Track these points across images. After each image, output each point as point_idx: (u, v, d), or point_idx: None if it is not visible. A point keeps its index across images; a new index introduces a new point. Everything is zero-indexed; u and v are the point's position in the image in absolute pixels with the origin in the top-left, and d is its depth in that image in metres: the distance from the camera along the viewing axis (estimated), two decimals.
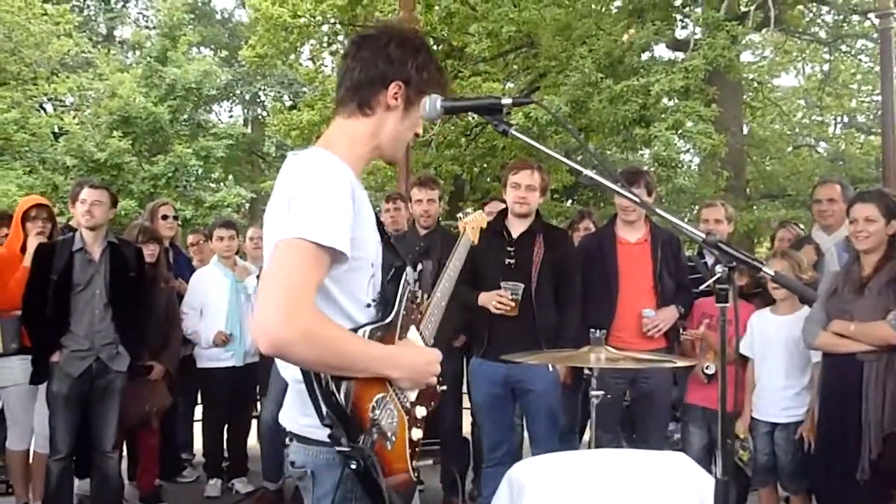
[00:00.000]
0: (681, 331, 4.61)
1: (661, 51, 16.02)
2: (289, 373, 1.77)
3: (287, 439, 1.85)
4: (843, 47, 17.04)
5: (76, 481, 4.58)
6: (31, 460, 4.67)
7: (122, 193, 16.10)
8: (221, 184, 19.63)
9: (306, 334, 1.55)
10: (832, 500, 3.85)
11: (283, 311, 1.55)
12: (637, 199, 1.98)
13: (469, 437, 5.29)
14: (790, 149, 19.12)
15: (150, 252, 4.85)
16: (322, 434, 1.68)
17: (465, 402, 5.13)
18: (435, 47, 15.20)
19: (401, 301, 1.85)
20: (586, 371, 3.34)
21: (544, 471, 2.14)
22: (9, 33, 16.65)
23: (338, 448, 1.65)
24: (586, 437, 5.11)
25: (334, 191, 1.67)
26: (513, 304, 3.97)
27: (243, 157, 22.74)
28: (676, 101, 12.80)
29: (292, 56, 17.28)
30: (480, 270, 4.18)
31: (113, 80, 17.51)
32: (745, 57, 16.22)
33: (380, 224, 1.93)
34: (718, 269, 1.71)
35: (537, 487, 2.02)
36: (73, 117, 17.50)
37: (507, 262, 4.12)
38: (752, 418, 4.10)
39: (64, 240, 4.37)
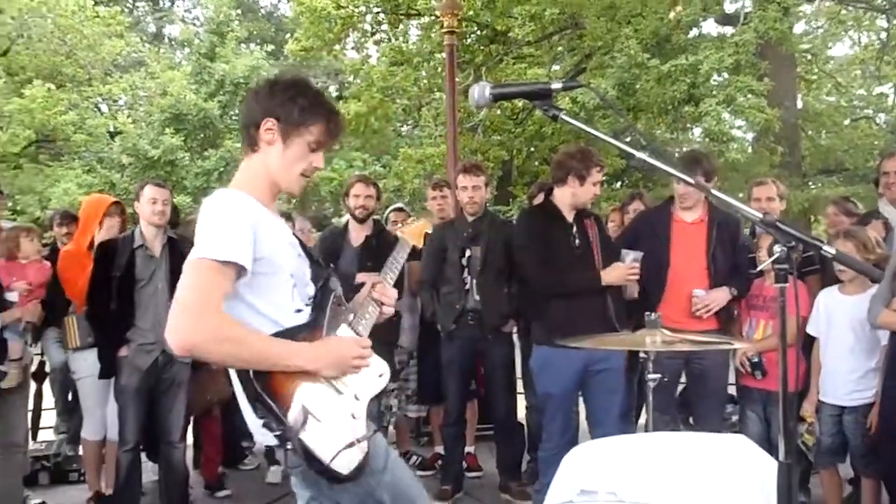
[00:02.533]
0: (734, 313, 4.54)
1: (710, 27, 15.70)
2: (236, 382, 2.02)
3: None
4: None
5: (144, 470, 4.73)
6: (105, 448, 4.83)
7: (177, 189, 16.49)
8: None
9: (214, 335, 1.83)
10: None
11: (191, 316, 1.84)
12: (690, 180, 1.96)
13: (524, 422, 5.30)
14: (847, 122, 18.56)
15: None
16: None
17: (519, 387, 5.14)
18: (478, 32, 15.14)
19: (324, 305, 2.10)
20: (642, 354, 3.32)
21: (604, 455, 2.14)
22: (63, 36, 17.11)
23: (273, 433, 1.88)
24: (641, 420, 5.09)
25: (231, 216, 1.94)
26: (632, 264, 4.01)
27: None
28: (727, 77, 12.53)
29: (337, 47, 17.38)
30: (553, 255, 4.13)
31: (164, 78, 17.91)
32: (798, 28, 15.77)
33: (303, 244, 2.20)
34: (777, 248, 1.68)
35: (598, 471, 2.03)
36: (127, 116, 17.93)
37: (575, 245, 4.07)
38: (818, 400, 4.02)
39: (124, 237, 4.47)
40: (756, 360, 4.12)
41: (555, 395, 4.13)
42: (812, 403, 4.02)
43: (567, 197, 4.10)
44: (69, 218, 5.61)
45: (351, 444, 1.96)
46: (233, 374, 1.96)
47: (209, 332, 1.83)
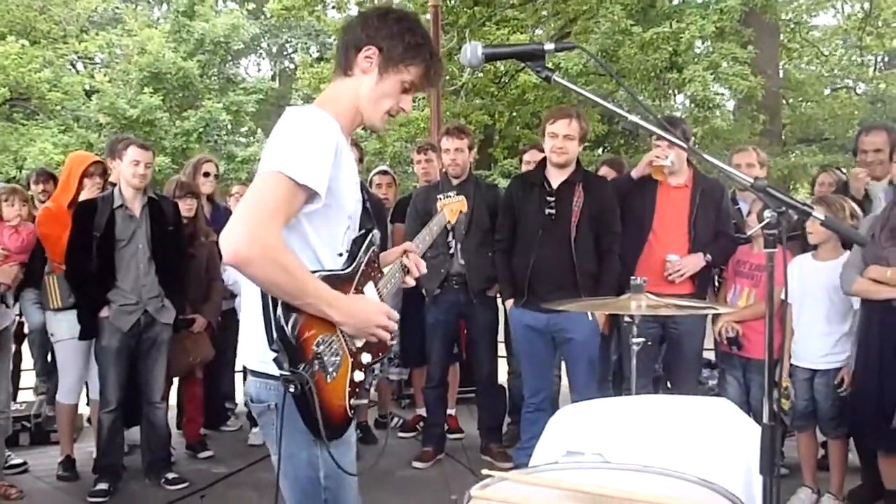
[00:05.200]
0: (716, 278, 4.58)
1: None
2: (252, 309, 1.92)
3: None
4: None
5: (128, 431, 4.73)
6: (88, 408, 4.80)
7: (156, 149, 16.22)
8: (252, 138, 19.71)
9: (266, 254, 1.74)
10: (867, 444, 3.87)
11: (250, 230, 1.74)
12: (682, 144, 1.96)
13: (505, 385, 5.36)
14: (828, 91, 18.62)
15: (187, 206, 4.90)
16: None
17: (501, 351, 5.18)
18: None
19: (361, 258, 2.03)
20: (626, 318, 3.34)
21: (590, 416, 2.16)
22: None
23: (280, 371, 1.83)
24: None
25: (318, 137, 1.86)
26: (669, 163, 4.10)
27: (272, 111, 22.77)
28: (710, 44, 12.50)
29: (318, 7, 17.11)
30: (521, 222, 4.21)
31: (142, 36, 17.54)
32: None
33: (363, 189, 2.12)
34: (767, 214, 1.68)
35: (584, 433, 2.05)
36: (104, 75, 17.57)
37: (547, 213, 4.14)
38: (791, 364, 4.10)
39: (104, 197, 4.40)
40: (732, 335, 4.19)
41: (520, 351, 4.41)
42: (785, 368, 4.10)
43: (548, 158, 4.18)
44: (46, 176, 5.53)
45: (351, 408, 1.93)
46: (257, 293, 1.86)
47: (264, 250, 1.73)
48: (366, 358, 1.98)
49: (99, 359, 4.39)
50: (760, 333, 4.03)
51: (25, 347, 5.73)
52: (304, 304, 1.81)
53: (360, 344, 1.97)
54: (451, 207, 2.77)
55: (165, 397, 4.73)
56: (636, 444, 1.98)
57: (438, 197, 2.85)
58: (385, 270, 2.16)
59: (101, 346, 4.34)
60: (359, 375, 1.96)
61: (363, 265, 2.02)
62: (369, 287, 2.04)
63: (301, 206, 1.84)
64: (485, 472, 1.78)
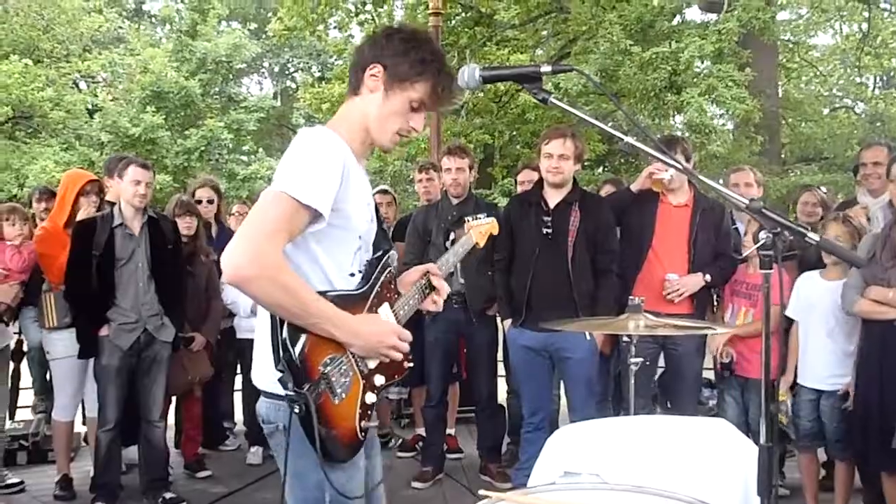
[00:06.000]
0: (715, 298, 4.58)
1: (694, 14, 15.72)
2: (264, 329, 1.91)
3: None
4: (883, 4, 16.52)
5: (125, 450, 4.71)
6: (86, 426, 4.78)
7: (157, 168, 16.30)
8: (253, 156, 19.78)
9: (265, 273, 1.74)
10: (870, 465, 3.85)
11: (252, 249, 1.74)
12: (678, 165, 1.97)
13: (504, 405, 5.34)
14: (827, 111, 18.70)
15: (186, 224, 4.90)
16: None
17: (501, 370, 5.17)
18: (463, 14, 15.07)
19: (377, 279, 2.02)
20: (624, 338, 3.34)
21: (588, 437, 2.16)
22: (41, 10, 16.83)
23: (284, 391, 1.81)
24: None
25: (324, 158, 1.86)
26: (668, 177, 4.12)
27: (273, 130, 22.87)
28: (709, 65, 12.55)
29: (320, 27, 17.24)
30: (518, 241, 4.23)
31: (144, 56, 17.68)
32: (781, 16, 15.80)
33: (376, 209, 2.13)
34: (762, 235, 1.69)
35: (581, 453, 2.05)
36: (107, 93, 17.67)
37: (544, 232, 4.15)
38: (797, 384, 4.07)
39: (103, 215, 4.41)
40: (727, 360, 4.21)
41: (519, 370, 4.40)
42: (787, 382, 4.09)
43: (544, 178, 4.20)
44: (48, 194, 5.53)
45: (362, 430, 1.91)
46: (265, 314, 1.87)
47: (265, 269, 1.73)
48: (379, 380, 1.96)
49: (98, 377, 4.37)
50: (758, 353, 4.03)
51: (24, 365, 5.72)
52: (309, 323, 1.80)
53: (372, 365, 1.94)
54: (481, 230, 2.70)
55: (164, 416, 4.71)
56: (633, 465, 1.98)
57: (467, 219, 2.77)
58: (403, 292, 2.13)
59: (102, 365, 4.33)
60: (371, 397, 1.93)
61: (378, 286, 2.00)
62: (384, 308, 2.02)
63: (305, 225, 1.84)
64: (482, 492, 1.78)
